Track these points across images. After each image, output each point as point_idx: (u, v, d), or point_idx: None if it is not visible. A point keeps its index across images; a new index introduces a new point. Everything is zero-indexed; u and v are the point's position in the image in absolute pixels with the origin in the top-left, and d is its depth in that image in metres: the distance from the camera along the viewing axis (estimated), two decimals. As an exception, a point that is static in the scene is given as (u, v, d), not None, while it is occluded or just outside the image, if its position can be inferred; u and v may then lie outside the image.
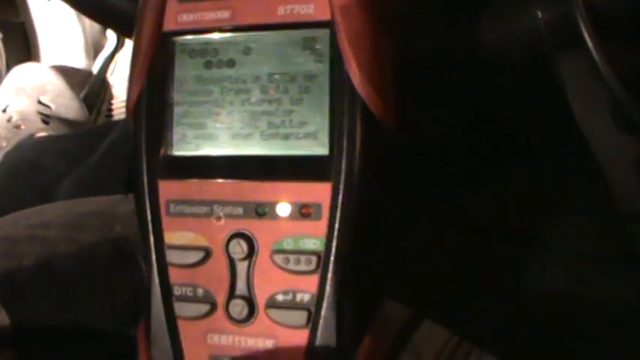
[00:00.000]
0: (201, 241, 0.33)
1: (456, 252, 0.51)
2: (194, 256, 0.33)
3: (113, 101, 1.03)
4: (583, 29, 0.35)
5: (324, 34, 0.31)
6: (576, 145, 0.51)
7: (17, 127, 0.88)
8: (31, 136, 0.88)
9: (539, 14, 0.37)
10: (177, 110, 0.34)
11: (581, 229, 0.51)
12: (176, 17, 0.34)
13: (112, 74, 1.05)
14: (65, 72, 0.99)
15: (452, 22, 0.39)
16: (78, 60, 1.04)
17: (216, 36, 0.33)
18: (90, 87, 1.03)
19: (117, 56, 1.07)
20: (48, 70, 0.96)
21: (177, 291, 0.33)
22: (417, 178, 0.49)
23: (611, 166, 0.50)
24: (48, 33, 1.05)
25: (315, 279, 0.31)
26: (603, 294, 0.48)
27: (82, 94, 1.00)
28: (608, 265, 0.49)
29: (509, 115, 0.54)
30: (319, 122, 0.31)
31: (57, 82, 0.95)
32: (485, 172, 0.53)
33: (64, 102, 0.94)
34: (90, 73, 1.06)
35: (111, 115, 1.02)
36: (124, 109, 1.00)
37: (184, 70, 0.34)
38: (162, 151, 0.34)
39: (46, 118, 0.91)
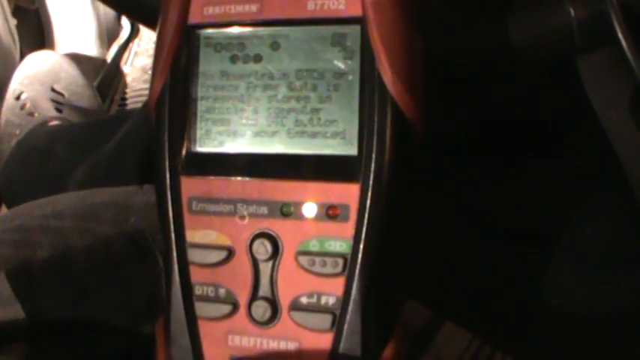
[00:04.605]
0: (224, 241, 0.32)
1: (475, 251, 0.50)
2: (216, 256, 0.32)
3: (127, 90, 1.02)
4: (617, 28, 0.34)
5: (354, 30, 0.30)
6: (598, 144, 0.51)
7: (30, 114, 0.88)
8: (44, 123, 0.87)
9: (572, 12, 0.36)
10: (201, 105, 0.33)
11: (602, 230, 0.50)
12: (202, 10, 0.33)
13: (125, 63, 1.05)
14: (79, 60, 0.99)
15: (479, 19, 0.38)
16: (92, 48, 1.04)
17: (242, 30, 0.32)
18: (103, 75, 1.02)
19: (131, 45, 1.06)
20: (62, 58, 0.96)
21: (198, 290, 0.32)
22: (437, 177, 0.49)
23: (632, 164, 0.50)
24: (62, 20, 1.04)
25: (341, 282, 0.30)
26: (624, 296, 0.47)
27: (95, 83, 1.00)
28: (630, 267, 0.49)
29: (529, 113, 0.53)
30: (348, 121, 0.31)
31: (71, 70, 0.94)
32: (506, 171, 0.52)
33: (78, 90, 0.94)
34: (104, 61, 1.05)
35: (124, 105, 1.01)
36: (137, 99, 1.01)
37: (209, 65, 0.33)
38: (185, 147, 0.33)
39: (59, 106, 0.90)
